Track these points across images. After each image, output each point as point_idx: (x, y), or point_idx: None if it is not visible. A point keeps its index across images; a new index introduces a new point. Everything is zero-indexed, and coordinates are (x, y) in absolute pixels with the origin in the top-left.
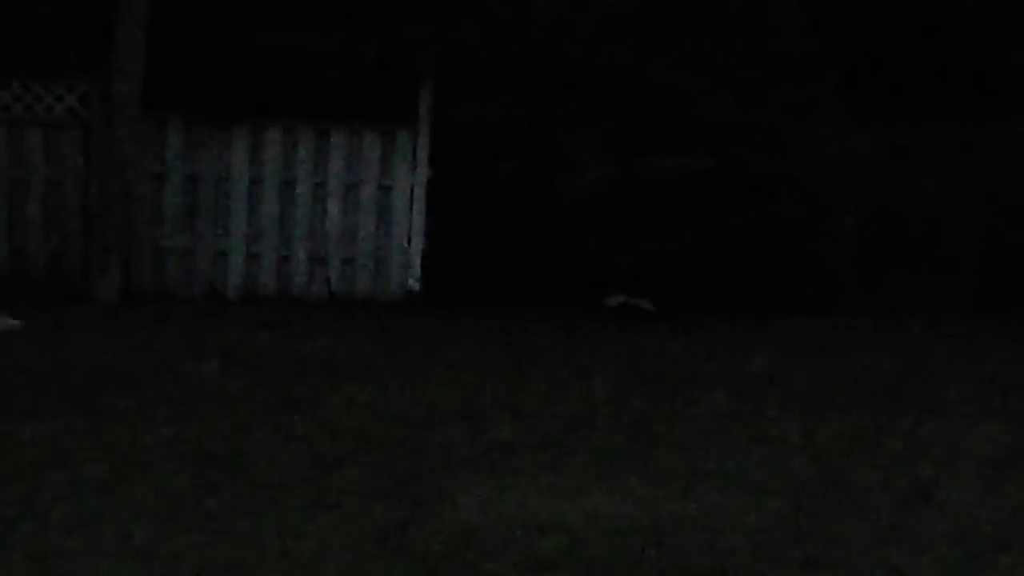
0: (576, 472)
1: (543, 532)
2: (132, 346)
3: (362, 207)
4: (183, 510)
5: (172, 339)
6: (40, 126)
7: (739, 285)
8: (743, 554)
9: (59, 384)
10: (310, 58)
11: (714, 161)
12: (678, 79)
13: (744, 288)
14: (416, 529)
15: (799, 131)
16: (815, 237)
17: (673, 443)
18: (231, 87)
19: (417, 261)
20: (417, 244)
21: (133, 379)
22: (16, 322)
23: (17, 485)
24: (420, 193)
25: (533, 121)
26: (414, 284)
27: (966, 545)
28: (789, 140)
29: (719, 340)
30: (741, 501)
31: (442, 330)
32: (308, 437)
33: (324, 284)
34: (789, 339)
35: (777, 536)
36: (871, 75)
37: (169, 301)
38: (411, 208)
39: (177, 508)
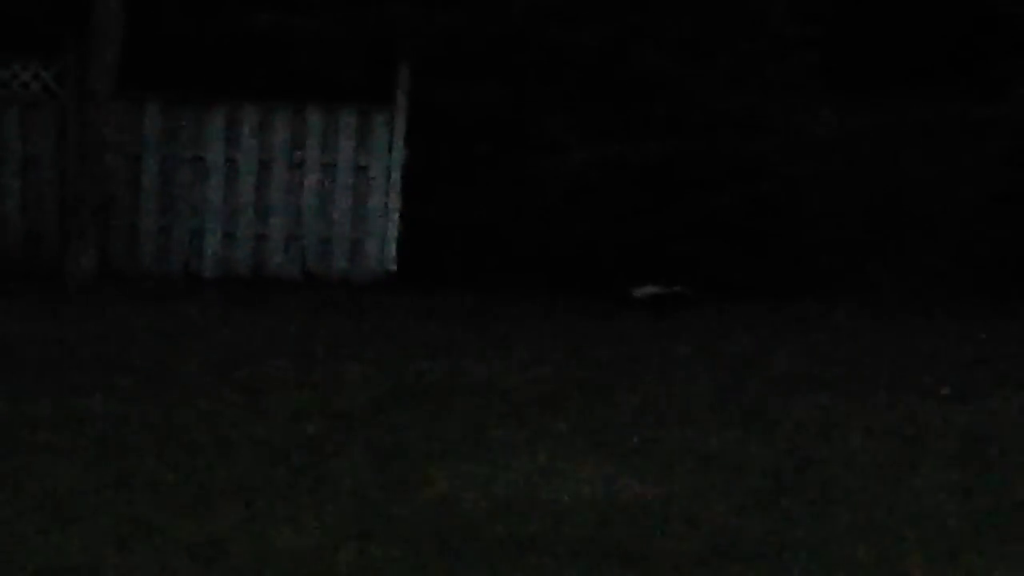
0: (556, 452)
1: (524, 512)
2: (98, 327)
3: (339, 187)
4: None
5: (141, 319)
6: (16, 104)
7: (722, 269)
8: (727, 536)
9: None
10: (288, 39)
11: (698, 145)
12: (660, 62)
13: (727, 272)
14: (396, 509)
15: (781, 114)
16: (797, 220)
17: (655, 422)
18: (208, 67)
19: (393, 242)
20: (394, 225)
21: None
22: None
23: None
24: (397, 174)
25: (513, 103)
26: (390, 265)
27: (943, 528)
28: (771, 123)
29: (698, 322)
30: (720, 480)
31: (418, 311)
32: (283, 418)
33: (300, 264)
34: (772, 321)
35: (758, 519)
36: (854, 59)
37: (144, 281)
38: (388, 189)
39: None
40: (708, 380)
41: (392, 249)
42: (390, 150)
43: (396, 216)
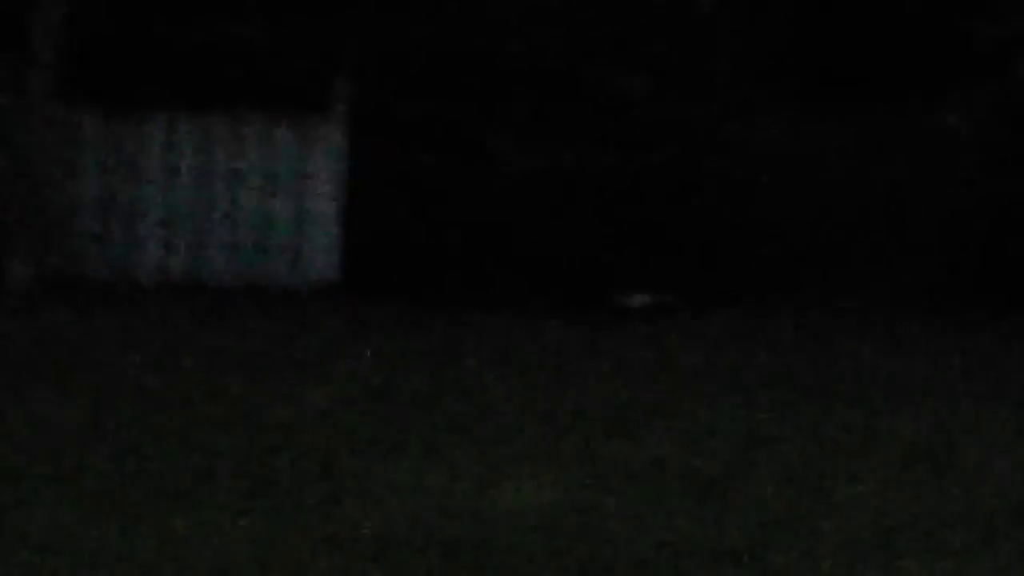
0: (492, 461)
1: (458, 521)
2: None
3: (280, 196)
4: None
5: (75, 325)
6: None
7: (664, 278)
8: (666, 547)
9: None
10: (231, 48)
11: (643, 156)
12: (608, 75)
13: (670, 282)
14: (332, 518)
15: (728, 127)
16: (743, 231)
17: (588, 432)
18: (149, 76)
19: (336, 251)
20: (335, 232)
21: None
22: None
23: None
24: (338, 181)
25: (457, 114)
26: (333, 273)
27: (877, 537)
28: (718, 135)
29: (635, 331)
30: (659, 490)
31: (360, 319)
32: (221, 427)
33: (240, 272)
34: (711, 332)
35: (696, 527)
36: (812, 71)
37: (82, 288)
38: (330, 197)
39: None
40: (652, 389)
41: (335, 258)
42: (332, 159)
43: (337, 224)
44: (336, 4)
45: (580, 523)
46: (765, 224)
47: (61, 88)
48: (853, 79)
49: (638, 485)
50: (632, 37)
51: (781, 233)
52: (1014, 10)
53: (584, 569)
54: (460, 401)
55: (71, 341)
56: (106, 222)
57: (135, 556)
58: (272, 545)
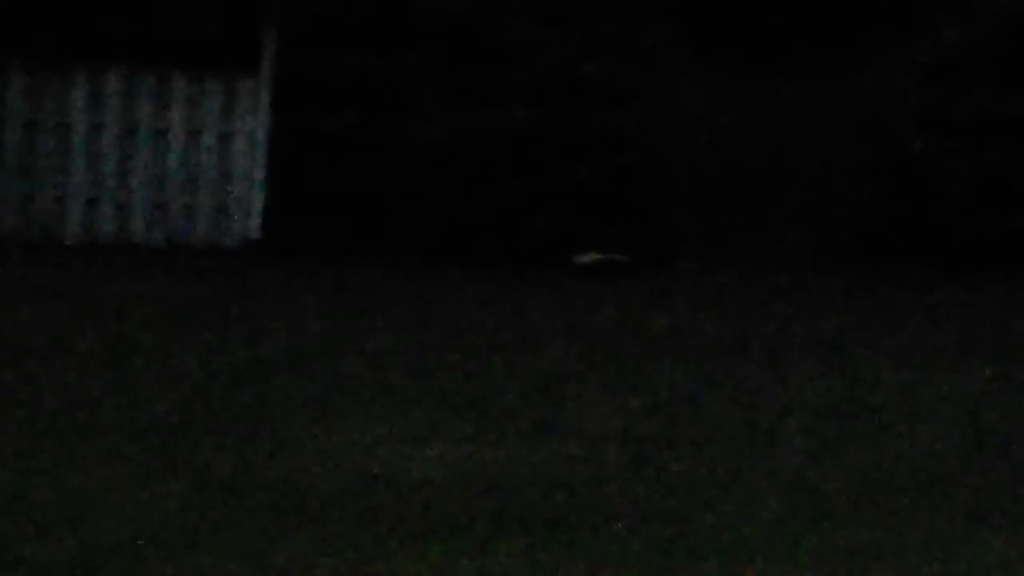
0: (416, 421)
1: (381, 482)
2: None
3: (203, 154)
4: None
5: None
6: None
7: (584, 238)
8: (582, 504)
9: None
10: (156, 4)
11: (560, 113)
12: (524, 31)
13: (591, 240)
14: (253, 480)
15: (644, 84)
16: (658, 190)
17: (513, 392)
18: (73, 32)
19: (259, 210)
20: (259, 193)
21: None
22: None
23: None
24: (262, 141)
25: (379, 71)
26: (255, 233)
27: (809, 495)
28: (633, 93)
29: (561, 292)
30: (580, 450)
31: (282, 278)
32: (145, 386)
33: (164, 231)
34: (632, 292)
35: (615, 486)
36: (719, 29)
37: (4, 247)
38: (253, 156)
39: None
40: (574, 349)
41: (257, 217)
42: (256, 117)
43: (262, 184)
44: None
45: (503, 484)
46: (681, 182)
47: None
48: (773, 38)
49: (565, 447)
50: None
51: (700, 191)
52: None
53: (504, 529)
54: (382, 362)
55: None
56: (29, 181)
57: (36, 509)
58: (189, 505)
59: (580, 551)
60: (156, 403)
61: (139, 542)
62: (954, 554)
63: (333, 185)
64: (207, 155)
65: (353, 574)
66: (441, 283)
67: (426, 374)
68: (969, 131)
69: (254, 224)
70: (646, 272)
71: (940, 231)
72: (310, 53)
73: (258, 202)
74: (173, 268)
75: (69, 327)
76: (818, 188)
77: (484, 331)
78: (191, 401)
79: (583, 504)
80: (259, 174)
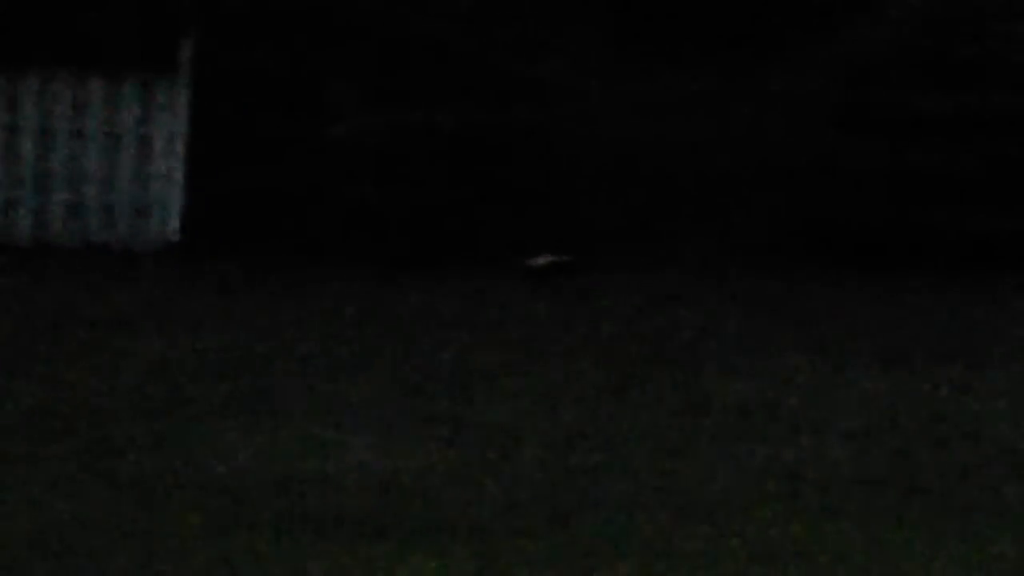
0: (342, 422)
1: (307, 484)
2: None
3: (121, 156)
4: None
5: None
6: None
7: (509, 236)
8: (500, 507)
9: None
10: (75, 6)
11: (485, 113)
12: (446, 31)
13: (515, 239)
14: (173, 482)
15: (567, 85)
16: (580, 190)
17: (434, 393)
18: None
19: (177, 211)
20: (177, 193)
21: None
22: None
23: None
24: (180, 142)
25: (299, 72)
26: (174, 234)
27: (725, 494)
28: (557, 94)
29: (488, 290)
30: (508, 452)
31: (199, 279)
32: (64, 390)
33: (82, 233)
34: (553, 291)
35: (531, 489)
36: (641, 30)
37: None
38: (171, 157)
39: None
40: (495, 352)
41: (176, 218)
42: (174, 118)
43: (180, 185)
44: None
45: (422, 486)
46: (603, 182)
47: None
48: (695, 38)
49: (488, 447)
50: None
51: (620, 191)
52: None
53: (417, 535)
54: (304, 364)
55: None
56: None
57: None
58: (109, 508)
59: (495, 553)
60: (74, 407)
61: (61, 545)
62: (873, 554)
63: (253, 186)
64: (125, 156)
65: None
66: (363, 284)
67: (348, 376)
68: (887, 130)
69: (173, 226)
70: (569, 271)
71: (858, 230)
72: (229, 54)
73: (177, 203)
74: (91, 270)
75: None
76: (737, 187)
77: (404, 332)
78: (110, 404)
79: (499, 506)
80: (178, 175)
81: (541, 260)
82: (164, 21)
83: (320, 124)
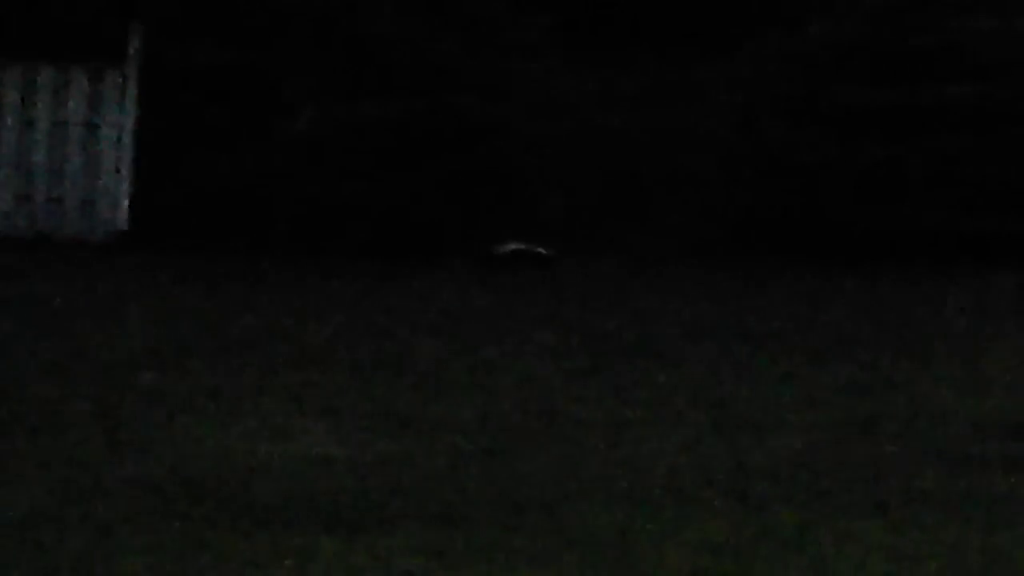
0: (290, 413)
1: (260, 475)
2: None
3: (70, 145)
4: None
5: None
6: None
7: (458, 231)
8: (446, 498)
9: None
10: None
11: (430, 106)
12: (397, 24)
13: (466, 234)
14: (130, 472)
15: (515, 77)
16: (530, 183)
17: (387, 385)
18: None
19: (125, 202)
20: (125, 185)
21: None
22: None
23: None
24: (130, 132)
25: (248, 64)
26: (122, 225)
27: (665, 488)
28: (508, 85)
29: (439, 284)
30: (454, 445)
31: (149, 270)
32: (5, 383)
33: (31, 223)
34: (501, 284)
35: (490, 482)
36: (591, 22)
37: None
38: (120, 148)
39: None
40: (427, 343)
41: (124, 209)
42: (123, 109)
43: (128, 176)
44: None
45: (374, 476)
46: (553, 175)
47: None
48: (646, 29)
49: (431, 439)
50: None
51: (571, 184)
52: None
53: (377, 521)
54: (252, 355)
55: None
56: None
57: None
58: (53, 501)
59: (446, 543)
60: (17, 401)
61: (5, 537)
62: (813, 544)
63: (202, 176)
64: (74, 146)
65: (222, 567)
66: (310, 275)
67: (294, 367)
68: (838, 123)
69: (122, 215)
70: (544, 261)
71: (810, 223)
72: (180, 45)
73: (126, 193)
74: (38, 260)
75: None
76: (689, 181)
77: (358, 323)
78: (56, 397)
79: (446, 498)
80: (127, 165)
81: (509, 247)
82: (113, 11)
83: (269, 115)
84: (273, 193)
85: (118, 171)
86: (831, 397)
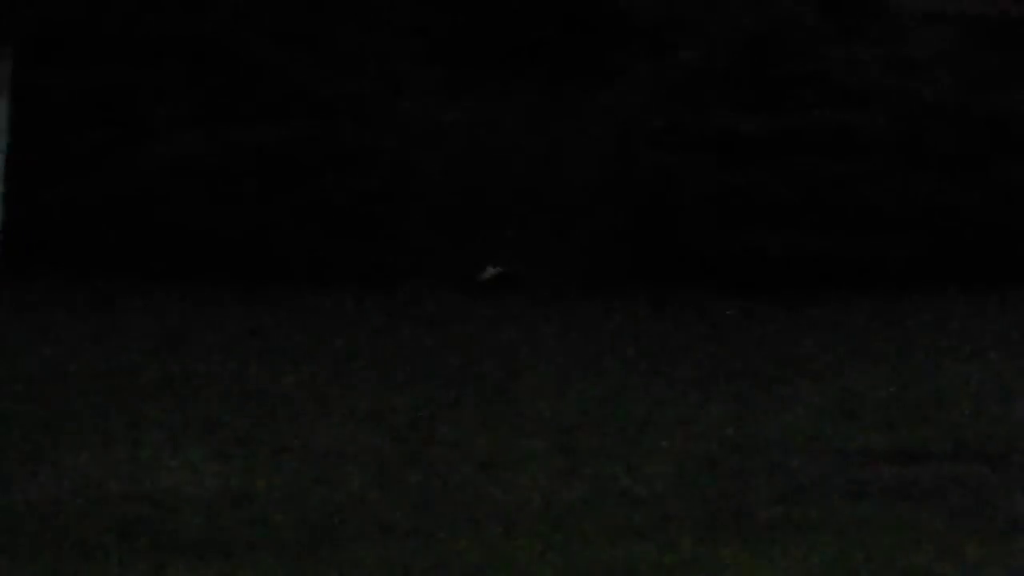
0: (162, 442)
1: (132, 501)
2: None
3: None
4: None
5: None
6: None
7: (329, 256)
8: (324, 526)
9: None
10: None
11: (305, 131)
12: (270, 50)
13: (334, 259)
14: (3, 499)
15: (390, 103)
16: (402, 208)
17: (262, 413)
18: None
19: None
20: None
21: None
22: None
23: None
24: (0, 159)
25: (121, 88)
26: None
27: (540, 521)
28: (380, 112)
29: (318, 311)
30: (333, 471)
31: (18, 298)
32: None
33: None
34: (359, 311)
35: (365, 506)
36: (466, 48)
37: None
38: None
39: None
40: (325, 371)
41: None
42: None
43: None
44: None
45: (248, 505)
46: (425, 201)
47: None
48: (520, 57)
49: (311, 468)
50: (298, 14)
51: (442, 210)
52: None
53: (241, 555)
54: (123, 382)
55: None
56: None
57: None
58: None
59: (320, 571)
60: None
61: None
62: (698, 571)
63: (74, 202)
64: None
65: None
66: (182, 300)
67: (169, 394)
68: (705, 150)
69: None
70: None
71: (677, 250)
72: (50, 69)
73: None
74: None
75: None
76: (559, 207)
77: (224, 351)
78: None
79: (323, 525)
80: None
81: (489, 273)
82: None
83: (141, 139)
84: (143, 217)
85: None
86: (707, 425)
